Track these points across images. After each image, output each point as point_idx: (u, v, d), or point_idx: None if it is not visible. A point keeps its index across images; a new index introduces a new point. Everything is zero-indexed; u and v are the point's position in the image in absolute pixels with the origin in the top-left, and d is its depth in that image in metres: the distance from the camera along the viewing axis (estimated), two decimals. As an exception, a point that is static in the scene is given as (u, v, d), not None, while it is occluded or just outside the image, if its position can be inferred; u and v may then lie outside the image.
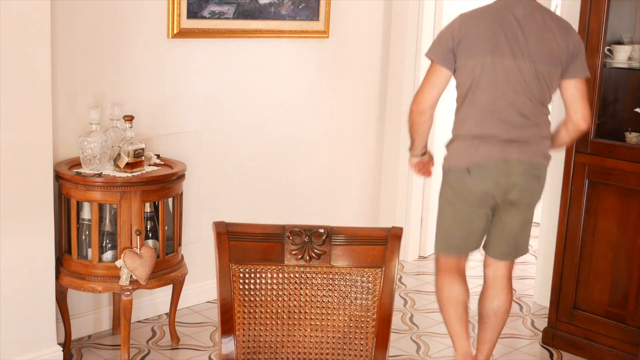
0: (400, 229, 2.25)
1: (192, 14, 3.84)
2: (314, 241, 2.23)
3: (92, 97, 3.58)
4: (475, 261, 5.11)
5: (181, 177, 3.50)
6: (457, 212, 3.18)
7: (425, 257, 5.12)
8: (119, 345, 3.53)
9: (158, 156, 3.64)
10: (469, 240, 3.23)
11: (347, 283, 2.26)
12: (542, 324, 4.06)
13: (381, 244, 2.24)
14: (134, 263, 3.23)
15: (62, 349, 3.41)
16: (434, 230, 5.18)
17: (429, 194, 5.08)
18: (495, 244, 3.25)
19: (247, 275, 2.24)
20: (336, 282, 2.26)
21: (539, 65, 3.01)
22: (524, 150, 3.05)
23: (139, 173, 3.33)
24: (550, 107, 3.15)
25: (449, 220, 3.23)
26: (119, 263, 3.25)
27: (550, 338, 3.86)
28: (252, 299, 2.25)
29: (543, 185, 3.19)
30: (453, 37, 3.04)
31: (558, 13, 5.11)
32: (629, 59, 3.68)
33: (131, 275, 3.26)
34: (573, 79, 3.08)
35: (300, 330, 2.27)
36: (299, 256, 2.24)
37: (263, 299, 2.25)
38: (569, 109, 3.13)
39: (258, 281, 2.25)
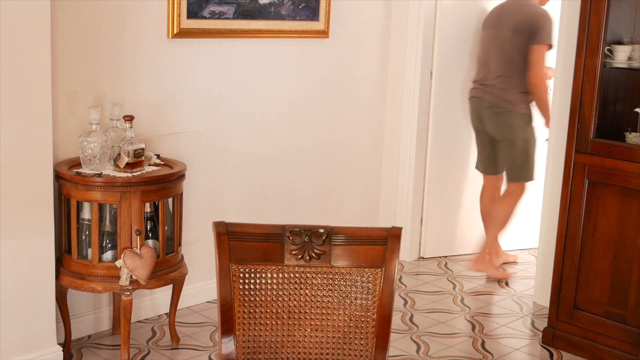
0: (400, 229, 2.25)
1: (192, 14, 3.84)
2: (314, 241, 2.23)
3: (92, 97, 3.58)
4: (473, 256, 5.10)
5: (181, 177, 3.50)
6: None
7: (425, 258, 5.11)
8: (119, 345, 3.53)
9: (158, 156, 3.64)
10: None
11: (347, 283, 2.26)
12: (542, 324, 4.06)
13: (381, 244, 2.24)
14: (134, 263, 3.23)
15: (62, 349, 3.41)
16: (433, 230, 5.19)
17: (429, 194, 5.07)
18: None
19: (247, 275, 2.24)
20: (336, 282, 2.26)
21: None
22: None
23: (139, 173, 3.33)
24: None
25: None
26: (119, 263, 3.25)
27: (550, 338, 3.86)
28: (252, 299, 2.25)
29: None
30: None
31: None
32: (629, 59, 3.68)
33: (131, 275, 3.26)
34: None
35: (300, 330, 2.27)
36: (299, 256, 2.24)
37: (263, 299, 2.25)
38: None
39: (258, 281, 2.25)
